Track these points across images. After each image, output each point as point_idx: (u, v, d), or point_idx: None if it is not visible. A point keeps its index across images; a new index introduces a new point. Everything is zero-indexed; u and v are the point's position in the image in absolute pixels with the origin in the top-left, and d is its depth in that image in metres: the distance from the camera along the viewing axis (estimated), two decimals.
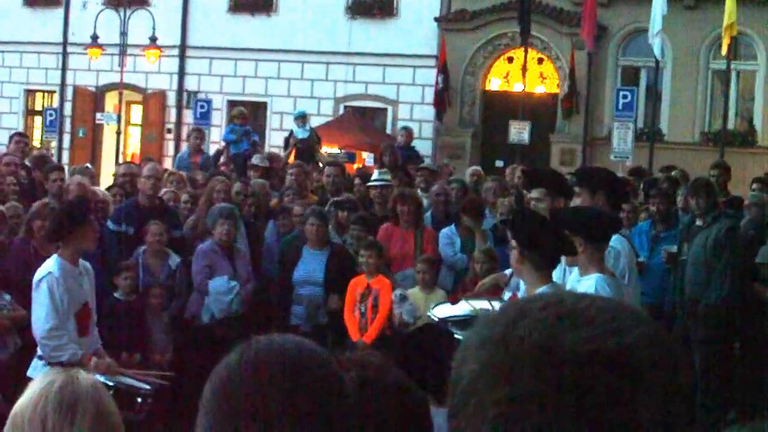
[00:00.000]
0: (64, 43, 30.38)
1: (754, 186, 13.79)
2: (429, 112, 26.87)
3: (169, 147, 29.65)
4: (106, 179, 19.08)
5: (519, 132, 22.70)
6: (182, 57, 29.57)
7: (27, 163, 13.31)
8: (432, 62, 26.76)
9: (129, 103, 30.66)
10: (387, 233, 10.90)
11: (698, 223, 10.88)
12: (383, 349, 9.11)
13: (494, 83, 27.13)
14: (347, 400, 1.85)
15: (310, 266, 10.49)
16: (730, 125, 23.91)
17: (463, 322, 7.53)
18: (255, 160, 14.91)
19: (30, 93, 31.73)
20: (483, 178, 14.30)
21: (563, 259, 6.64)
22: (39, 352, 7.78)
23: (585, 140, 25.66)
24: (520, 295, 7.06)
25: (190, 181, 13.21)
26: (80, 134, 30.47)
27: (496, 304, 6.73)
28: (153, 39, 27.00)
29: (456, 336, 7.46)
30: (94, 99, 30.21)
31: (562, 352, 1.26)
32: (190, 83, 29.57)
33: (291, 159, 17.56)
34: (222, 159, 17.12)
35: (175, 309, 10.36)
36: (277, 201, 12.57)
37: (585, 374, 1.25)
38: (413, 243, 10.86)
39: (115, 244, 10.45)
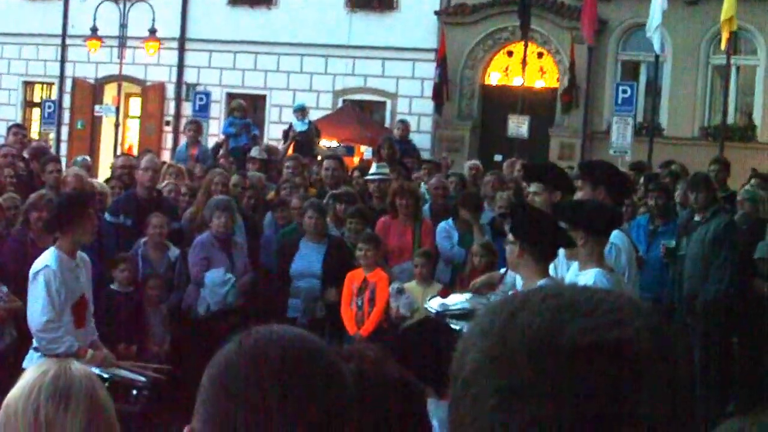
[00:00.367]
0: (64, 35, 30.36)
1: (753, 181, 13.77)
2: (428, 105, 26.87)
3: (168, 139, 29.66)
4: (105, 171, 19.08)
5: (518, 126, 22.71)
6: (181, 49, 29.56)
7: (25, 154, 13.30)
8: (431, 56, 26.74)
9: (128, 95, 30.67)
10: (385, 226, 10.90)
11: (697, 218, 10.88)
12: (381, 342, 9.11)
13: (494, 77, 27.12)
14: (346, 392, 1.84)
15: (308, 259, 10.48)
16: (730, 120, 23.91)
17: (461, 314, 7.52)
18: (253, 152, 14.91)
19: (29, 85, 31.72)
20: (481, 172, 14.31)
21: (563, 252, 6.64)
22: (34, 343, 7.77)
23: (584, 134, 25.66)
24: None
25: (188, 174, 13.20)
26: (79, 126, 30.45)
27: (492, 298, 6.73)
28: (152, 31, 27.01)
29: (454, 328, 7.45)
30: (93, 91, 30.19)
31: (562, 344, 1.26)
32: (190, 76, 29.56)
33: (290, 152, 17.56)
34: (221, 152, 17.12)
35: (174, 301, 10.37)
36: (274, 194, 12.56)
37: (585, 366, 1.25)
38: (411, 236, 10.86)
39: (113, 236, 10.44)
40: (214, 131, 24.47)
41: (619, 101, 21.71)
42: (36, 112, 30.55)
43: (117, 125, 28.02)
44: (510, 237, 6.42)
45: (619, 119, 21.38)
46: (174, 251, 10.39)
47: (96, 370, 7.10)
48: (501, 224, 10.24)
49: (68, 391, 2.77)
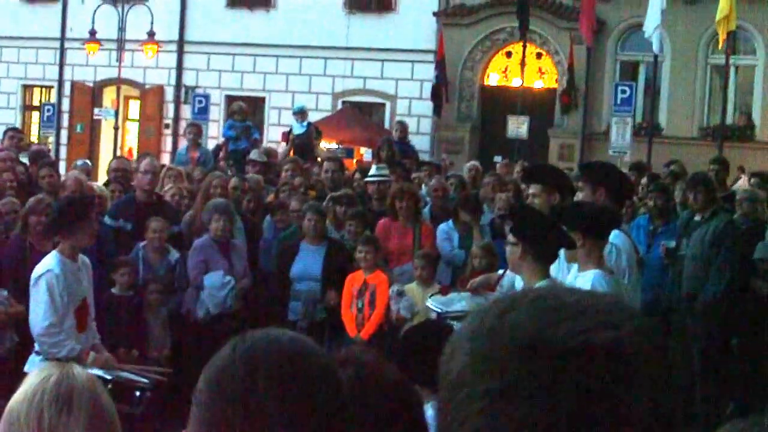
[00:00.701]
0: (62, 38, 30.38)
1: (752, 180, 13.78)
2: (427, 107, 26.87)
3: (167, 142, 29.66)
4: (104, 175, 19.04)
5: (517, 127, 22.73)
6: (180, 52, 29.57)
7: (24, 158, 13.27)
8: (430, 57, 26.74)
9: (127, 98, 30.67)
10: (385, 228, 10.89)
11: (697, 218, 10.87)
12: (379, 346, 9.10)
13: (493, 78, 27.12)
14: (342, 396, 1.84)
15: (308, 261, 10.47)
16: (729, 120, 23.92)
17: (463, 316, 7.51)
18: (253, 155, 14.89)
19: (27, 88, 31.73)
20: (480, 173, 14.30)
21: (563, 255, 6.64)
22: (36, 347, 7.77)
23: (583, 135, 25.67)
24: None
25: (187, 177, 13.18)
26: (78, 129, 30.46)
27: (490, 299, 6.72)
28: (151, 34, 27.02)
29: (456, 330, 7.44)
30: (92, 94, 30.20)
31: (552, 345, 1.26)
32: (188, 78, 29.57)
33: (291, 154, 17.57)
34: (221, 155, 17.11)
35: (174, 304, 10.35)
36: (273, 196, 12.55)
37: (576, 367, 1.24)
38: (411, 238, 10.85)
39: (113, 240, 10.42)
40: (214, 134, 24.47)
41: (618, 101, 21.72)
42: (35, 115, 30.57)
43: (116, 128, 28.03)
44: (511, 238, 6.41)
45: (618, 119, 21.39)
46: (174, 254, 10.37)
47: (98, 372, 7.12)
48: (501, 226, 10.23)
49: (70, 395, 2.78)
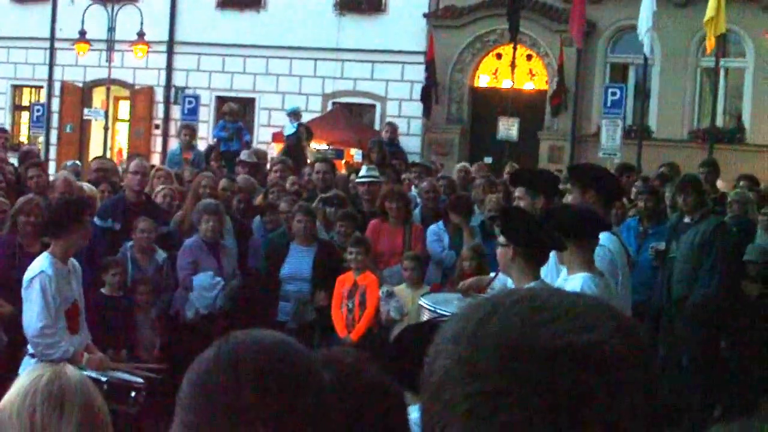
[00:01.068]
0: (52, 39, 30.32)
1: (741, 183, 13.81)
2: (417, 108, 26.89)
3: (157, 143, 29.63)
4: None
5: (507, 129, 22.73)
6: (170, 53, 29.53)
7: (13, 158, 13.25)
8: (421, 59, 26.76)
9: (117, 99, 30.64)
10: (375, 230, 10.90)
11: (686, 220, 10.88)
12: (369, 347, 9.10)
13: (483, 80, 27.15)
14: (324, 396, 1.83)
15: (298, 262, 10.47)
16: (719, 122, 23.98)
17: None
18: (243, 155, 14.89)
19: (17, 88, 31.66)
20: (470, 175, 14.31)
21: (555, 257, 6.64)
22: (30, 350, 7.73)
23: (573, 137, 25.69)
24: None
25: (177, 178, 13.16)
26: (67, 130, 30.40)
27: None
28: (141, 34, 26.98)
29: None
30: (82, 94, 30.15)
31: (533, 348, 1.26)
32: (178, 79, 29.54)
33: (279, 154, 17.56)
34: (212, 155, 17.09)
35: (162, 305, 10.34)
36: (262, 197, 12.54)
37: (557, 370, 1.25)
38: (402, 240, 10.86)
39: (102, 240, 10.41)
40: (203, 134, 24.45)
41: (608, 104, 21.72)
42: (25, 115, 30.50)
43: (106, 129, 27.99)
44: (501, 239, 6.41)
45: (608, 122, 21.40)
46: (161, 255, 10.36)
47: (93, 374, 7.11)
48: (491, 227, 10.24)
49: (63, 395, 2.78)
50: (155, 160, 25.56)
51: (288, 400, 1.77)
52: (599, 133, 22.04)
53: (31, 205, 9.44)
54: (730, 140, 24.31)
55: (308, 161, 17.37)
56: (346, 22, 27.72)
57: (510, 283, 6.72)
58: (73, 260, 7.91)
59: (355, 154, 23.03)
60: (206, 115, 26.95)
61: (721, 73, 23.73)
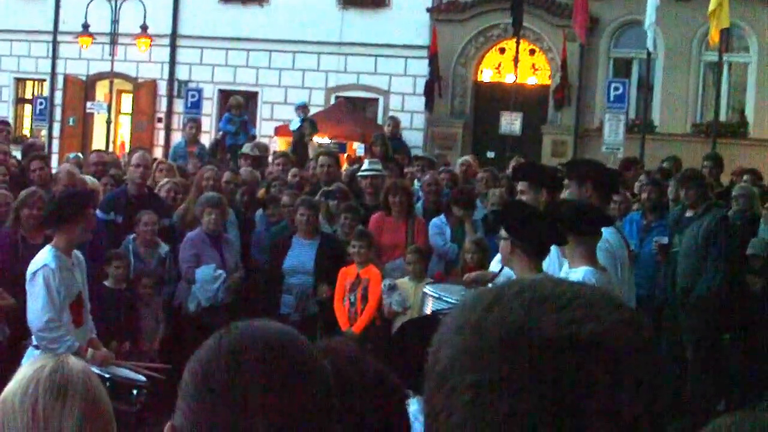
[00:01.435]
0: (55, 32, 30.28)
1: (745, 177, 13.80)
2: (420, 102, 26.86)
3: (160, 136, 29.61)
4: None
5: (510, 123, 22.71)
6: (173, 46, 29.49)
7: (16, 151, 13.26)
8: (424, 53, 26.73)
9: (120, 92, 30.58)
10: (378, 223, 10.90)
11: (689, 214, 10.88)
12: (371, 340, 9.11)
13: (486, 74, 27.11)
14: (325, 387, 1.84)
15: (300, 255, 10.47)
16: (722, 117, 23.94)
17: None
18: (245, 148, 14.89)
19: (20, 81, 31.63)
20: (473, 168, 14.30)
21: (557, 251, 6.65)
22: (34, 341, 7.72)
23: (576, 132, 25.66)
24: None
25: (181, 171, 13.18)
26: (70, 123, 30.37)
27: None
28: (144, 28, 26.94)
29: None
30: (85, 88, 30.12)
31: (536, 338, 1.26)
32: (181, 72, 29.50)
33: (284, 147, 17.58)
34: (219, 148, 17.11)
35: (165, 297, 10.35)
36: (264, 190, 12.55)
37: (560, 359, 1.25)
38: (404, 233, 10.86)
39: (104, 233, 10.41)
40: (206, 128, 24.43)
41: (611, 98, 21.70)
42: (27, 108, 30.46)
43: (109, 122, 27.96)
44: (503, 233, 6.42)
45: (611, 116, 21.38)
46: (164, 247, 10.37)
47: (96, 370, 7.09)
48: (493, 221, 10.24)
49: (65, 385, 2.78)
50: (158, 153, 25.55)
51: (289, 390, 1.77)
52: (602, 127, 22.01)
53: (34, 198, 9.45)
54: (734, 134, 24.28)
55: (309, 156, 17.34)
56: (349, 16, 27.69)
57: (513, 276, 6.73)
58: (77, 252, 7.90)
59: (358, 148, 23.02)
60: (209, 108, 26.91)
61: (725, 67, 23.69)
